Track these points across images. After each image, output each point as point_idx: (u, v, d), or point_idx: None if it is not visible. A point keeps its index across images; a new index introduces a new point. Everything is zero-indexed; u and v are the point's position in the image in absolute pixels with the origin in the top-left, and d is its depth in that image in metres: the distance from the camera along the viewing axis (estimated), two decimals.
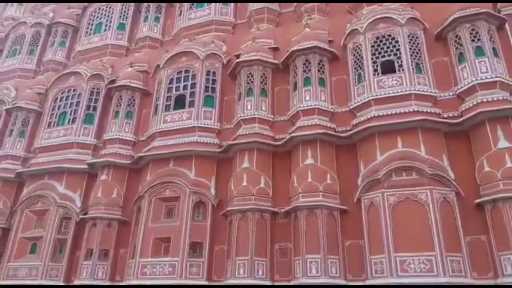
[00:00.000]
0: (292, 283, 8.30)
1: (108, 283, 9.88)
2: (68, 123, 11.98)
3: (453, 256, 7.43)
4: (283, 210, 9.05)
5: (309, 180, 8.73)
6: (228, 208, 9.31)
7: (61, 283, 10.15)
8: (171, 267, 9.05)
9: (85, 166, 11.21)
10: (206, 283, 8.95)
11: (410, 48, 9.15)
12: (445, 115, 8.49)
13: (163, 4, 13.78)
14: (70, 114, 12.10)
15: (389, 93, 8.79)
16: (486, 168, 7.77)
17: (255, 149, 9.65)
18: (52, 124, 12.25)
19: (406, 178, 8.08)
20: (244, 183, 9.30)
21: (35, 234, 10.96)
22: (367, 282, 7.78)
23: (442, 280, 7.09)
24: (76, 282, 9.87)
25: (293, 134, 9.28)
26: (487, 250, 7.54)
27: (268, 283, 8.53)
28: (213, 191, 9.86)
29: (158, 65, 11.78)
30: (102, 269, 9.96)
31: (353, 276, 8.15)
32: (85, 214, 10.72)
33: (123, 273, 9.88)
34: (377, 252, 7.82)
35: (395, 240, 7.68)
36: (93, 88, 12.33)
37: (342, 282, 8.05)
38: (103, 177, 10.86)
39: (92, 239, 10.21)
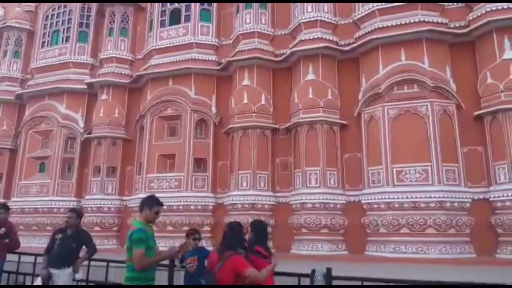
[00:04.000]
0: (292, 193, 8.70)
1: (117, 197, 10.40)
2: (62, 42, 11.67)
3: (449, 166, 7.69)
4: (283, 127, 9.18)
5: (310, 96, 8.71)
6: (230, 126, 9.43)
7: (73, 199, 10.65)
8: (177, 181, 9.44)
9: (84, 86, 11.13)
10: (211, 195, 9.41)
11: None
12: (452, 25, 8.19)
13: None
14: (63, 33, 11.74)
15: (395, 3, 8.37)
16: (489, 80, 7.70)
17: (255, 65, 9.48)
18: (46, 43, 11.94)
19: (407, 91, 8.04)
20: (245, 101, 9.30)
21: (42, 154, 11.27)
22: (364, 191, 8.16)
23: (436, 188, 7.43)
24: (87, 197, 10.38)
25: (294, 49, 9.05)
26: (482, 160, 7.79)
27: (270, 194, 8.96)
28: (214, 109, 9.90)
29: None
30: (111, 185, 10.41)
31: (350, 186, 8.52)
32: (89, 133, 10.89)
33: (131, 188, 10.35)
34: (375, 163, 8.08)
35: (393, 152, 7.89)
36: (84, 4, 11.76)
37: (340, 191, 8.44)
38: (104, 96, 10.84)
39: (99, 157, 10.52)
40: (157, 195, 9.68)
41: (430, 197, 7.40)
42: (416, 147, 7.73)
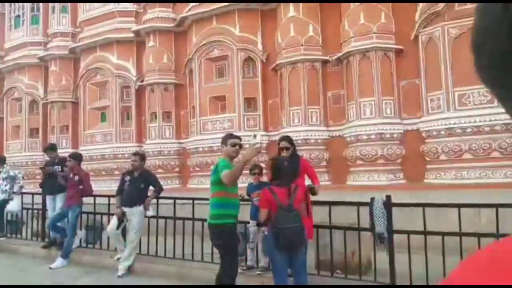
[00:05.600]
0: (346, 126, 8.56)
1: (175, 141, 10.84)
2: None
3: None
4: (334, 58, 8.82)
5: (361, 21, 8.18)
6: (277, 62, 9.22)
7: (135, 145, 11.24)
8: (230, 122, 9.61)
9: (132, 35, 11.27)
10: (264, 133, 9.50)
11: None
12: None
13: None
14: None
15: None
16: None
17: None
18: None
19: (471, 7, 7.28)
20: (292, 34, 8.96)
21: (101, 104, 11.85)
22: (423, 119, 7.82)
23: (502, 110, 6.86)
24: (148, 142, 10.92)
25: None
26: None
27: (323, 128, 8.88)
28: (260, 46, 9.68)
29: None
30: (168, 130, 10.83)
31: (408, 114, 8.19)
32: (142, 81, 11.20)
33: (187, 131, 10.71)
34: (435, 88, 7.63)
35: (454, 74, 7.36)
36: None
37: (397, 121, 8.16)
38: (151, 43, 10.94)
39: (154, 103, 10.87)
40: (212, 136, 9.99)
41: (496, 120, 6.94)
42: None
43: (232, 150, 3.74)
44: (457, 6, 7.38)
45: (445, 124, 7.39)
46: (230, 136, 3.86)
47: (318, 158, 8.70)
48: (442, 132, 7.44)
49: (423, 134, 7.79)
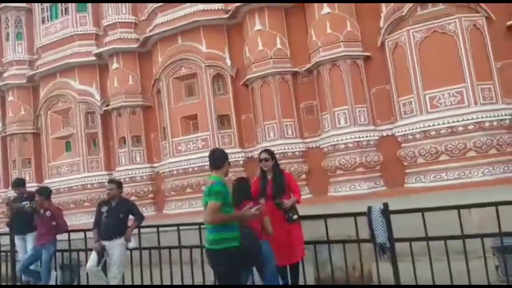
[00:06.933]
0: (322, 137, 8.51)
1: (147, 165, 10.43)
2: (62, 14, 11.25)
3: (484, 84, 7.30)
4: (304, 69, 8.82)
5: (329, 31, 8.23)
6: (248, 77, 9.12)
7: (104, 173, 10.72)
8: (203, 142, 9.34)
9: (93, 58, 10.86)
10: (240, 150, 9.30)
11: None
12: None
13: None
14: (61, 5, 11.28)
15: None
16: None
17: (265, 8, 8.97)
18: (46, 19, 11.56)
19: (433, 10, 7.47)
20: (260, 47, 8.90)
21: (65, 133, 11.26)
22: (396, 124, 7.90)
23: (473, 109, 7.11)
24: (118, 169, 10.43)
25: None
26: None
27: (299, 140, 8.80)
28: (228, 62, 9.56)
29: None
30: (139, 154, 10.40)
31: (381, 121, 8.25)
32: (107, 106, 10.76)
33: (159, 155, 10.33)
34: (405, 93, 7.73)
35: (423, 78, 7.50)
36: None
37: (372, 128, 8.19)
38: (114, 65, 10.56)
39: (121, 128, 10.44)
40: (186, 157, 9.68)
41: (468, 119, 7.09)
42: (448, 69, 7.32)
43: (229, 169, 3.57)
44: (419, 10, 7.58)
45: (419, 127, 7.47)
46: (226, 153, 3.63)
47: (298, 171, 8.57)
48: (417, 136, 7.52)
49: (399, 139, 7.85)
